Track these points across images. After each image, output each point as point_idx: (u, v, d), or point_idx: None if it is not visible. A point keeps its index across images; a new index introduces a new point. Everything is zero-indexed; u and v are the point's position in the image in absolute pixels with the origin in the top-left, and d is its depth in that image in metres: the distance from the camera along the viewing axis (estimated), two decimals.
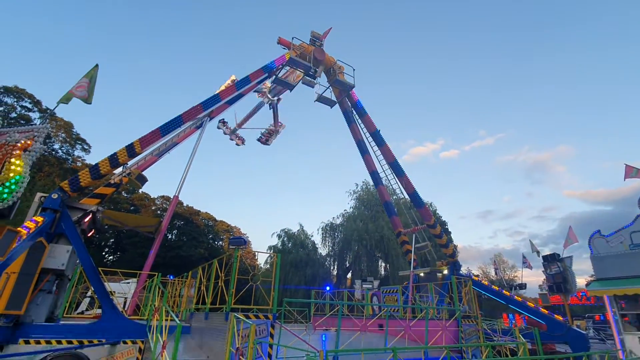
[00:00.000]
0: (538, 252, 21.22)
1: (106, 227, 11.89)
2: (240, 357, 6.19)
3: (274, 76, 17.41)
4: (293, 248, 35.58)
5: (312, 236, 38.55)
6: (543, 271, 18.62)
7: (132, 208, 39.48)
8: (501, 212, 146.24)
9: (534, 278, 72.41)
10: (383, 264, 35.62)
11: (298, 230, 37.84)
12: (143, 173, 13.60)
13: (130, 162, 12.63)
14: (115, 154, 11.39)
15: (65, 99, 7.47)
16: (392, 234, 29.59)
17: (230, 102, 15.65)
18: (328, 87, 19.83)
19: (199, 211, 44.43)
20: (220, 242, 44.13)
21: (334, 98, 20.54)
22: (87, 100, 7.80)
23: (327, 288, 18.28)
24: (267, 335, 7.09)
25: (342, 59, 20.11)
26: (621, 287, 13.83)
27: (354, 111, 20.60)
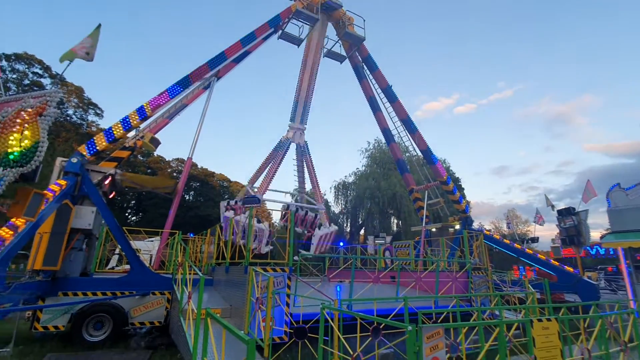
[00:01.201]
0: (553, 207, 21.05)
1: (126, 189, 12.33)
2: (260, 305, 6.62)
3: (280, 31, 16.68)
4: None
5: (325, 194, 39.14)
6: (557, 225, 18.61)
7: (149, 171, 40.52)
8: (516, 168, 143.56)
9: (547, 232, 72.71)
10: (395, 221, 36.22)
11: (311, 189, 38.39)
12: (156, 136, 13.75)
13: (142, 125, 12.74)
14: (127, 117, 11.48)
15: (68, 57, 7.40)
16: (405, 192, 29.70)
17: (237, 61, 15.21)
18: (337, 41, 18.95)
19: (214, 173, 45.29)
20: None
21: (343, 53, 19.70)
22: (89, 57, 7.72)
23: (341, 244, 18.87)
24: (284, 286, 7.51)
25: (351, 9, 18.98)
26: (637, 239, 13.78)
27: (364, 66, 19.78)
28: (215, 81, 15.04)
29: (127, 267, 13.14)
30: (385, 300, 8.71)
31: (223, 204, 15.03)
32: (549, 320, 5.61)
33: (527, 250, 16.66)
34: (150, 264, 14.34)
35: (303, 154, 19.47)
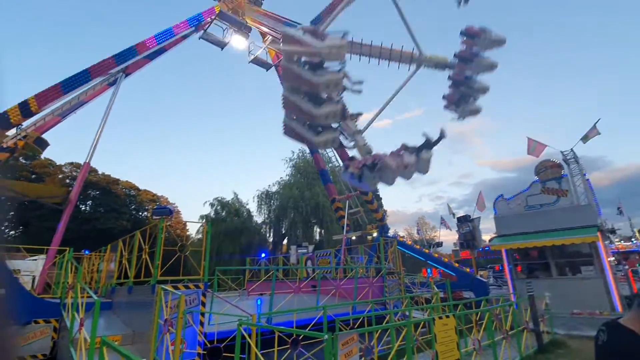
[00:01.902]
0: (453, 214, 23.87)
1: (2, 198, 10.10)
2: (170, 327, 5.95)
3: (202, 31, 15.87)
4: (227, 217, 34.80)
5: (247, 204, 38.02)
6: (457, 230, 21.11)
7: (33, 177, 34.28)
8: (426, 179, 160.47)
9: (450, 237, 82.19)
10: (318, 230, 36.94)
11: (232, 199, 36.98)
12: (43, 136, 11.68)
13: (25, 123, 10.71)
14: (5, 112, 9.52)
15: None
16: (327, 201, 30.57)
17: (151, 57, 13.95)
18: (264, 48, 18.81)
19: (119, 180, 40.35)
20: (145, 213, 41.13)
21: (270, 61, 19.63)
22: None
23: (263, 255, 18.43)
24: (198, 304, 6.90)
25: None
26: (516, 242, 16.37)
27: None
28: (123, 78, 13.50)
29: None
30: (305, 311, 8.66)
31: None
32: (447, 317, 6.21)
33: (433, 254, 18.48)
34: (32, 287, 11.98)
35: None
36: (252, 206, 39.22)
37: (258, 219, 37.56)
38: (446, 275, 18.38)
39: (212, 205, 35.71)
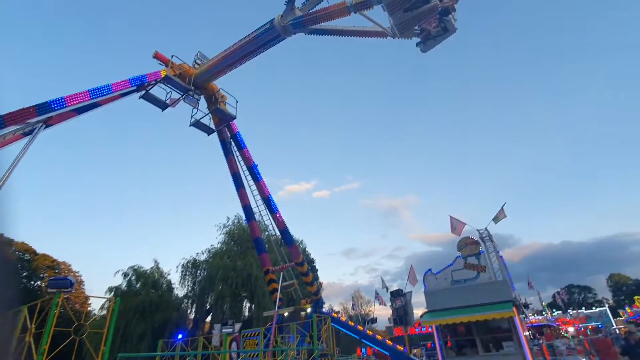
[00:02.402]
0: (387, 288, 24.05)
1: None
2: None
3: (144, 91, 15.62)
4: (142, 288, 30.53)
5: (168, 274, 34.09)
6: (390, 305, 21.04)
7: None
8: (362, 250, 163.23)
9: (385, 312, 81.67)
10: (248, 305, 34.06)
11: (152, 268, 32.99)
12: None
13: None
14: None
15: None
16: (261, 273, 28.89)
17: (80, 111, 13.03)
18: (207, 114, 18.94)
19: (12, 240, 33.98)
20: (39, 283, 34.38)
21: (212, 126, 19.69)
22: None
23: (180, 336, 16.02)
24: None
25: (226, 89, 19.76)
26: (444, 317, 16.73)
27: (232, 142, 20.09)
28: (42, 128, 12.21)
29: None
30: None
31: None
32: None
33: (367, 331, 17.90)
34: None
35: None
36: (175, 277, 35.29)
37: (180, 292, 33.65)
38: (380, 354, 17.70)
39: (125, 275, 31.34)
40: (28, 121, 11.32)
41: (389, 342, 18.21)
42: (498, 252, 21.46)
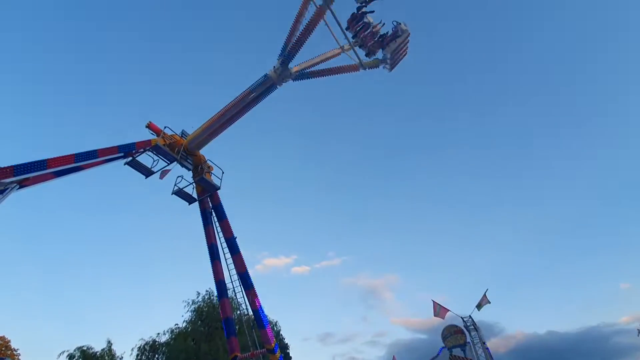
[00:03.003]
0: None
1: None
2: None
3: (131, 157, 15.68)
4: None
5: (121, 358, 29.94)
6: None
7: None
8: (340, 335, 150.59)
9: None
10: None
11: (103, 350, 29.01)
12: None
13: None
14: None
15: None
16: (228, 359, 25.91)
17: (60, 174, 12.72)
18: (191, 183, 18.89)
19: None
20: None
21: (195, 195, 19.49)
22: None
23: None
24: None
25: (212, 159, 20.05)
26: None
27: (213, 213, 19.69)
28: (16, 189, 11.72)
29: None
30: None
31: None
32: None
33: None
34: None
35: None
36: None
37: None
38: None
39: (71, 356, 27.33)
40: (2, 181, 10.90)
41: None
42: (484, 343, 20.39)
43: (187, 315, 34.55)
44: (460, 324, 20.81)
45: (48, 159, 11.57)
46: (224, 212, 19.46)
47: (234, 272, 18.54)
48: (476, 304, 21.46)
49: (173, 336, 31.65)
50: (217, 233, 19.35)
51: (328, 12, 15.61)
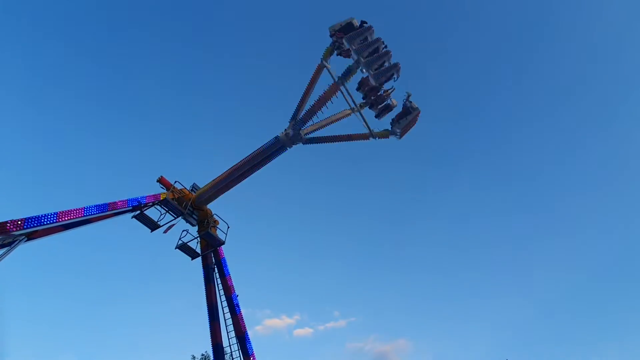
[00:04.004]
0: None
1: None
2: None
3: (139, 211, 15.88)
4: None
5: None
6: None
7: None
8: None
9: None
10: None
11: None
12: None
13: None
14: None
15: None
16: None
17: (68, 227, 12.87)
18: (196, 237, 18.76)
19: None
20: None
21: (198, 250, 19.27)
22: None
23: None
24: None
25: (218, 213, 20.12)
26: None
27: (216, 269, 19.27)
28: (24, 241, 11.78)
29: None
30: None
31: None
32: None
33: None
34: None
35: None
36: None
37: None
38: None
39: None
40: (11, 233, 11.02)
41: None
42: None
43: None
44: None
45: (58, 212, 11.78)
46: (227, 268, 19.05)
47: (232, 334, 17.58)
48: None
49: None
50: (219, 291, 18.75)
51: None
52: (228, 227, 19.78)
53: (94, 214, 12.79)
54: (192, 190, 18.72)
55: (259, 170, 18.67)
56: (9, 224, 10.42)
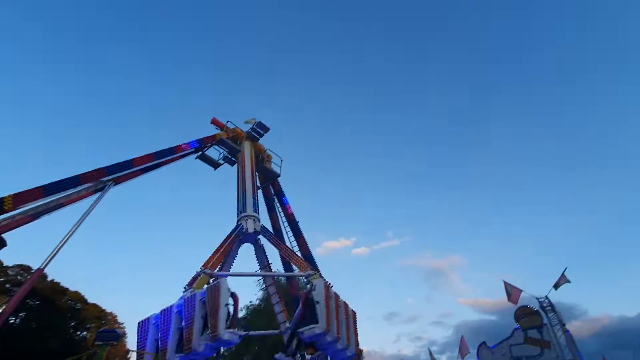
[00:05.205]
0: None
1: None
2: None
3: (201, 152, 17.08)
4: None
5: None
6: None
7: None
8: (405, 315, 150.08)
9: None
10: None
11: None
12: (3, 235, 10.81)
13: None
14: None
15: None
16: None
17: (145, 171, 14.42)
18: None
19: (66, 289, 35.90)
20: (85, 333, 35.22)
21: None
22: None
23: None
24: None
25: (270, 148, 20.96)
26: None
27: (275, 199, 20.76)
28: (112, 186, 13.59)
29: None
30: None
31: None
32: None
33: None
34: None
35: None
36: None
37: None
38: None
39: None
40: (100, 180, 12.70)
41: None
42: (564, 324, 18.92)
43: (260, 294, 37.29)
44: (535, 305, 19.55)
45: (134, 158, 13.16)
46: (286, 198, 20.41)
47: (298, 253, 19.52)
48: (553, 283, 19.94)
49: (249, 312, 34.56)
50: (281, 218, 20.42)
51: None
52: (282, 160, 20.72)
53: (163, 158, 14.07)
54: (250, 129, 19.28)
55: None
56: (95, 173, 11.94)
